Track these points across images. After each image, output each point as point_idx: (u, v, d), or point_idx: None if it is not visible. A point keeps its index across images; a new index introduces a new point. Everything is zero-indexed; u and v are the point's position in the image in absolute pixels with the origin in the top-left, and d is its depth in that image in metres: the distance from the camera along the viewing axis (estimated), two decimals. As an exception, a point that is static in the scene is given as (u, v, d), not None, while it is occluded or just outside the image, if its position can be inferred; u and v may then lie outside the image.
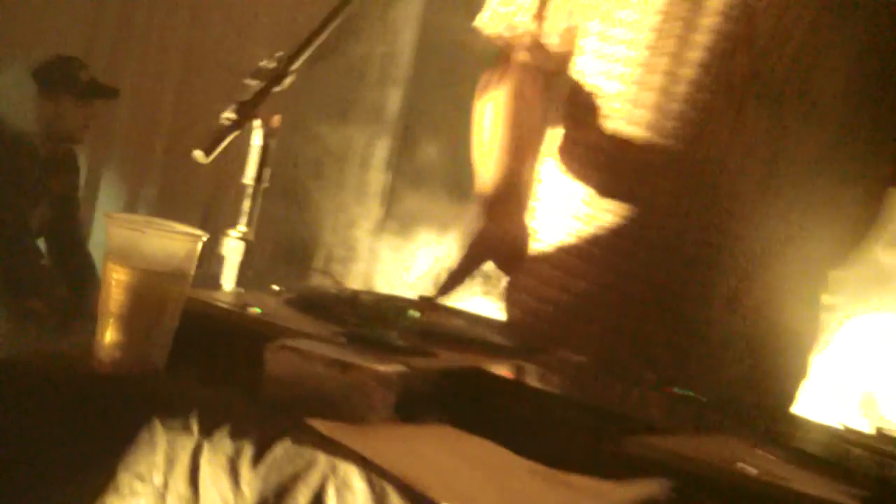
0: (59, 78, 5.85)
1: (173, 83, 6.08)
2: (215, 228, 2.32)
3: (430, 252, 5.12)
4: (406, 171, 5.39)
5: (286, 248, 5.09)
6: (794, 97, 2.67)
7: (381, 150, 5.44)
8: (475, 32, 4.13)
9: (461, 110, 4.66)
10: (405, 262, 5.13)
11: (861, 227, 2.79)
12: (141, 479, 1.92)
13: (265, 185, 2.42)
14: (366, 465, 1.79)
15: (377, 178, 5.46)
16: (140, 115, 6.13)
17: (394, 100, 5.40)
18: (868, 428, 2.39)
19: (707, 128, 2.67)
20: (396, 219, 5.29)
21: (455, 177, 4.95)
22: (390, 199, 5.44)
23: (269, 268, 2.41)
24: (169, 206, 5.65)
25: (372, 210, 5.46)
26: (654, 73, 2.70)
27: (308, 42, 2.47)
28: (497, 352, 2.37)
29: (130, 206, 6.15)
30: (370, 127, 5.38)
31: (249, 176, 2.44)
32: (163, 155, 6.17)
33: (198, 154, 2.34)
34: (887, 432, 2.33)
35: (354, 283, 5.25)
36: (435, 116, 5.23)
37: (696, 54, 2.66)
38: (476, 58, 3.67)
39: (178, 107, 6.03)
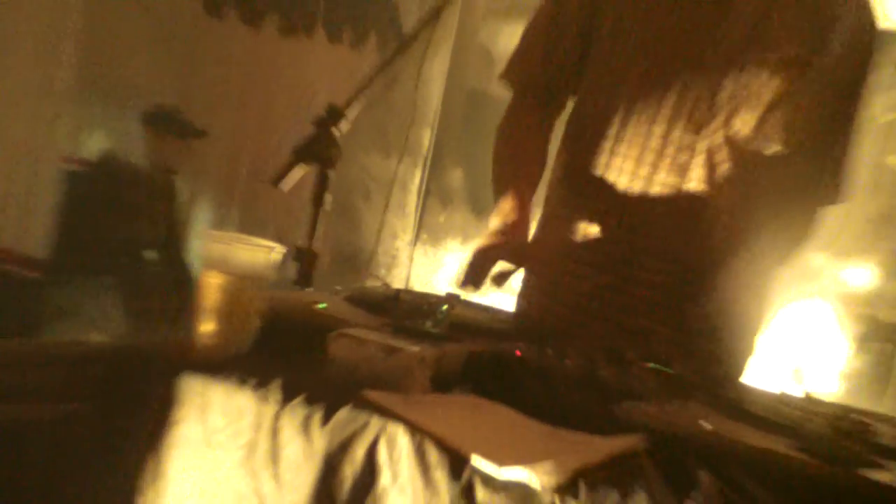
0: (163, 121, 5.92)
1: (253, 128, 6.08)
2: (290, 243, 2.35)
3: (455, 257, 5.18)
4: (435, 193, 5.44)
5: (344, 256, 5.13)
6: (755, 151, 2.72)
7: (416, 176, 5.49)
8: (488, 83, 4.18)
9: (478, 145, 4.73)
10: (435, 265, 5.22)
11: (801, 236, 2.83)
12: (235, 435, 2.02)
13: (327, 207, 2.44)
14: (409, 426, 1.88)
15: (413, 199, 5.50)
16: (227, 152, 6.14)
17: (426, 137, 5.46)
18: (799, 394, 2.43)
19: (689, 165, 2.73)
20: (428, 231, 5.35)
21: (474, 197, 5.03)
22: (423, 215, 5.49)
23: (331, 273, 2.44)
24: (249, 226, 5.67)
25: (409, 225, 5.50)
26: (639, 122, 2.76)
27: (357, 94, 2.52)
28: (509, 338, 2.41)
29: (218, 226, 6.14)
30: (407, 158, 5.42)
31: (314, 200, 2.47)
32: (245, 185, 6.17)
33: (273, 181, 2.41)
34: (813, 396, 2.40)
35: (396, 283, 5.28)
36: (458, 150, 5.31)
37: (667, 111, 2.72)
38: (490, 103, 3.72)
39: (258, 146, 6.05)
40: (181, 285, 5.99)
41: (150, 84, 6.11)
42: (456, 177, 5.32)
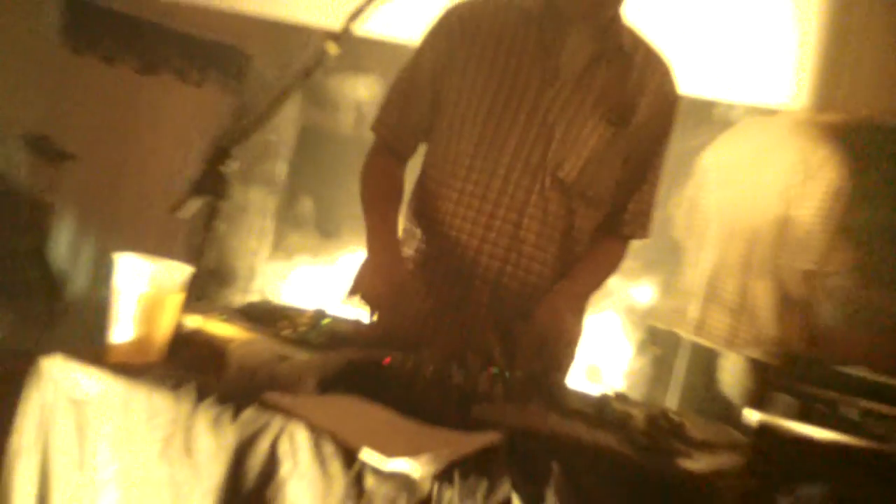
0: (34, 147, 5.76)
1: (117, 155, 5.98)
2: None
3: (304, 272, 5.15)
4: (288, 218, 5.41)
5: (208, 271, 5.08)
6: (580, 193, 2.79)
7: (272, 203, 5.45)
8: (334, 125, 4.17)
9: (326, 178, 4.73)
10: (287, 279, 5.18)
11: (615, 264, 2.91)
12: (154, 430, 1.98)
13: (216, 233, 2.41)
14: (307, 423, 1.88)
15: (269, 223, 5.46)
16: (93, 177, 6.01)
17: (281, 170, 5.42)
18: (604, 391, 2.47)
19: (526, 203, 2.76)
20: (282, 251, 5.32)
21: (321, 221, 5.01)
22: (277, 237, 5.46)
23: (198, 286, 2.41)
24: (126, 246, 5.54)
25: (266, 245, 5.46)
26: (484, 164, 2.77)
27: (241, 136, 2.49)
28: (377, 347, 2.40)
29: (95, 244, 6.00)
30: (265, 188, 5.39)
31: (205, 226, 2.44)
32: (111, 207, 6.03)
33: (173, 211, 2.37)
34: (627, 396, 2.44)
35: (254, 295, 5.25)
36: (308, 181, 5.30)
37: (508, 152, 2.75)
38: (337, 142, 3.72)
39: (121, 172, 5.94)
40: (56, 295, 5.86)
41: (22, 115, 5.97)
42: (306, 204, 5.31)
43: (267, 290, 5.20)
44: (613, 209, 2.87)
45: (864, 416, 3.91)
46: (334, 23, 2.66)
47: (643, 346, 4.64)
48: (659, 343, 4.51)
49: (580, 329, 2.86)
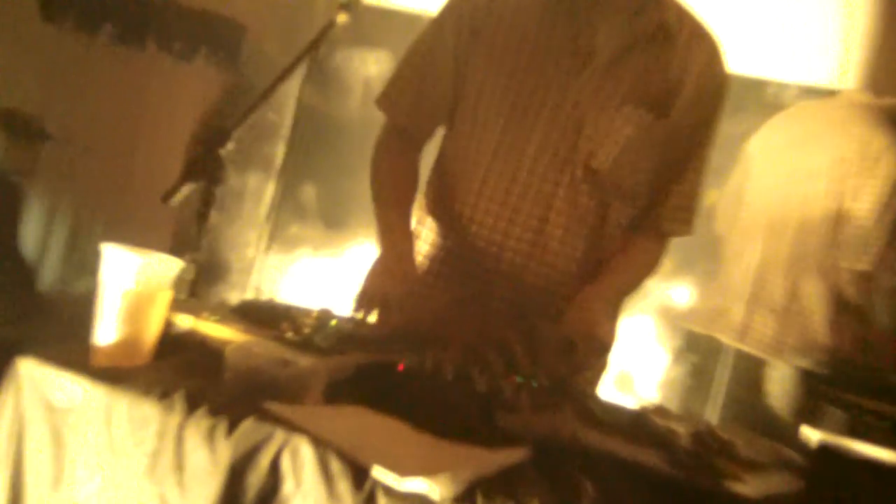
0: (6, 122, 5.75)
1: (98, 130, 5.97)
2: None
3: (306, 266, 5.13)
4: (287, 207, 5.40)
5: (205, 267, 5.07)
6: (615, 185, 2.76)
7: (269, 190, 5.44)
8: (340, 106, 4.15)
9: (330, 162, 4.70)
10: (286, 274, 5.16)
11: (653, 263, 2.89)
12: (140, 444, 1.95)
13: (212, 222, 2.42)
14: (312, 437, 1.85)
15: (264, 211, 5.45)
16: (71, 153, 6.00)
17: (279, 153, 5.41)
18: (626, 401, 2.45)
19: (553, 196, 2.75)
20: (280, 242, 5.30)
21: (325, 211, 4.99)
22: (275, 227, 5.44)
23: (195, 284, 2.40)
24: (112, 234, 5.54)
25: (262, 235, 5.44)
26: (509, 156, 2.77)
27: (243, 117, 2.51)
28: (389, 351, 2.38)
29: (79, 230, 5.99)
30: (262, 173, 5.38)
31: (199, 215, 2.44)
32: (98, 186, 6.02)
33: (165, 200, 2.37)
34: (665, 408, 2.40)
35: (249, 291, 5.23)
36: (308, 166, 5.28)
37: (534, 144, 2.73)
38: (342, 124, 3.70)
39: (102, 149, 5.93)
40: (25, 284, 5.84)
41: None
42: (308, 191, 5.29)
43: (265, 286, 5.18)
44: (651, 203, 2.84)
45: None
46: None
47: (680, 354, 4.62)
48: (697, 350, 4.48)
49: (613, 335, 2.84)
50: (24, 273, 5.74)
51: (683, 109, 2.72)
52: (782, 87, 4.30)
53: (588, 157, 2.72)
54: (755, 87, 4.26)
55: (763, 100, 4.37)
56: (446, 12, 2.83)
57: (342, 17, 2.64)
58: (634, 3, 2.69)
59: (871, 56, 3.73)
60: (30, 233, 6.00)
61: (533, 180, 2.73)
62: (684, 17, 2.75)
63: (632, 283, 2.86)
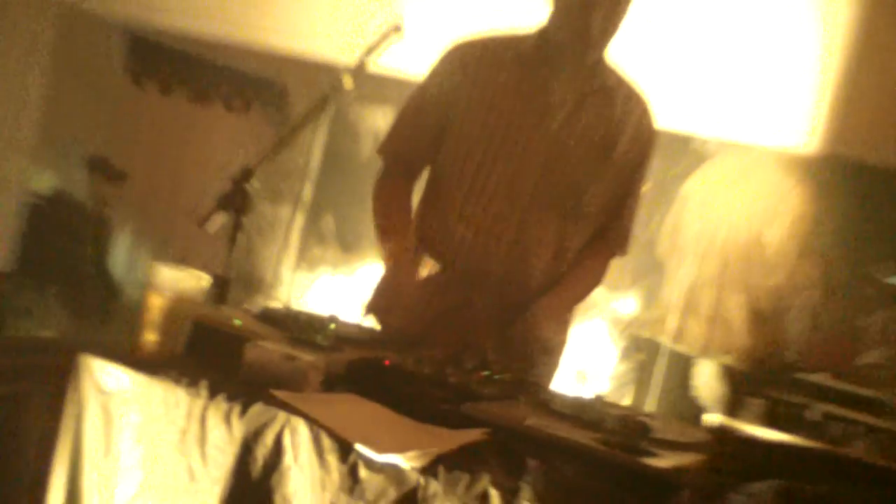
0: (96, 166, 5.77)
1: (169, 173, 5.97)
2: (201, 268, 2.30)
3: (327, 282, 5.11)
4: (312, 233, 5.39)
5: (241, 278, 5.06)
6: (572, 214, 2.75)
7: (298, 219, 5.43)
8: (355, 151, 4.16)
9: (347, 198, 4.69)
10: (310, 288, 5.14)
11: (598, 279, 2.88)
12: (171, 423, 1.94)
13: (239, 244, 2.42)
14: (308, 419, 1.84)
15: (295, 236, 5.44)
16: (149, 193, 6.01)
17: (307, 190, 5.40)
18: (590, 395, 2.42)
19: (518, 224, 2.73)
20: (305, 262, 5.29)
21: (342, 237, 4.98)
22: (302, 250, 5.43)
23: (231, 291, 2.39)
24: (165, 251, 5.55)
25: (292, 257, 5.44)
26: (483, 189, 2.75)
27: (264, 157, 2.51)
28: (379, 349, 2.37)
29: (141, 249, 5.99)
30: (292, 206, 5.37)
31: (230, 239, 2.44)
32: (162, 219, 6.03)
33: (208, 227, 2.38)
34: (604, 398, 2.38)
35: (279, 303, 5.22)
36: (329, 201, 5.28)
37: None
38: (357, 167, 3.70)
39: (173, 189, 5.92)
40: (110, 294, 5.85)
41: (88, 138, 5.98)
42: (328, 221, 5.29)
43: (291, 297, 5.16)
44: (598, 230, 2.82)
45: (826, 419, 3.84)
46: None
47: (627, 353, 4.60)
48: (641, 350, 4.47)
49: (563, 337, 2.83)
50: (98, 284, 5.74)
51: (621, 154, 2.73)
52: (705, 141, 4.29)
53: (550, 192, 2.71)
54: (684, 140, 4.25)
55: (690, 151, 4.36)
56: (433, 73, 2.83)
57: (348, 81, 2.63)
58: (583, 69, 2.68)
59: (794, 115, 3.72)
60: (110, 253, 6.01)
61: (505, 212, 2.72)
62: (622, 81, 2.76)
63: (579, 296, 2.86)
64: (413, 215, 2.90)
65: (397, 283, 2.78)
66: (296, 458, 1.81)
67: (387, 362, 2.21)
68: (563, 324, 2.83)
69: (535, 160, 2.69)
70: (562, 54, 2.67)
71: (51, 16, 5.65)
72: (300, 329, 2.28)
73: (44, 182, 5.92)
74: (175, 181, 6.03)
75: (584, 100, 2.69)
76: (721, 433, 1.83)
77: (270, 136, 5.61)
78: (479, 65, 2.74)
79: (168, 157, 6.14)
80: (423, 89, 2.84)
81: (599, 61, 2.71)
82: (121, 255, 5.99)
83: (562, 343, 2.82)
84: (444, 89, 2.78)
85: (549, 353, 2.73)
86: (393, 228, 2.85)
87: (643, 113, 2.76)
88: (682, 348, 4.34)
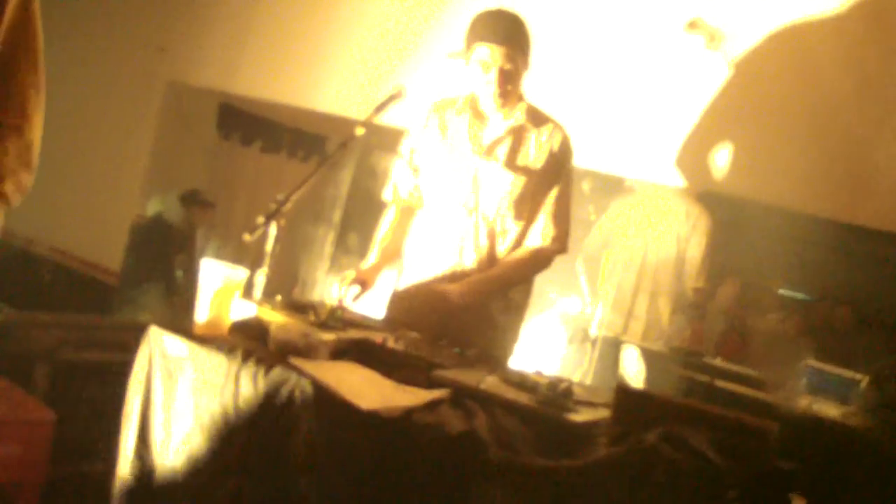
0: (191, 197, 5.83)
1: (243, 204, 6.02)
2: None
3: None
4: (342, 247, 5.41)
5: (287, 279, 5.08)
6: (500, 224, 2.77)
7: (330, 237, 5.45)
8: (374, 185, 4.16)
9: (365, 219, 4.66)
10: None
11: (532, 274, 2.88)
12: (214, 381, 1.96)
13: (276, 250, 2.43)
14: (314, 380, 1.85)
15: (329, 250, 5.46)
16: (229, 218, 6.06)
17: (338, 214, 5.43)
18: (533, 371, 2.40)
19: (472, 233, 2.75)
20: (335, 270, 5.29)
21: (361, 251, 4.95)
22: (332, 260, 5.45)
23: (276, 289, 2.39)
24: (232, 258, 5.57)
25: (325, 264, 5.45)
26: (449, 208, 2.77)
27: (297, 189, 2.51)
28: (375, 331, 2.37)
29: (219, 257, 6.01)
30: (327, 226, 5.41)
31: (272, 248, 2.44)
32: (234, 236, 6.06)
33: (246, 236, 2.38)
34: (542, 372, 2.36)
35: (315, 297, 5.22)
36: (354, 223, 5.31)
37: None
38: (373, 197, 3.69)
39: (248, 214, 5.97)
40: (191, 289, 5.85)
41: (186, 177, 6.04)
42: (353, 238, 5.33)
43: (323, 295, 5.15)
44: (522, 234, 2.79)
45: (723, 393, 3.83)
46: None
47: (570, 341, 4.58)
48: (580, 339, 4.44)
49: (509, 317, 2.80)
50: (185, 282, 5.78)
51: (540, 174, 2.72)
52: (621, 179, 4.30)
53: (485, 208, 2.73)
54: (619, 181, 4.27)
55: (624, 189, 4.39)
56: (414, 127, 2.87)
57: (360, 131, 2.64)
58: (506, 112, 2.72)
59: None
60: (195, 259, 6.04)
61: (456, 224, 2.76)
62: (540, 117, 2.76)
63: (499, 277, 2.76)
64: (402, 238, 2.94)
65: (396, 294, 2.88)
66: (305, 408, 1.83)
67: (379, 341, 2.21)
68: (511, 306, 2.81)
69: (474, 185, 2.73)
70: (487, 110, 2.74)
71: (157, 86, 5.71)
72: (315, 314, 2.29)
73: (149, 208, 5.97)
74: (248, 209, 6.08)
75: (508, 136, 2.72)
76: (622, 392, 1.81)
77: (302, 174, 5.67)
78: (443, 118, 2.80)
79: (244, 191, 6.20)
80: (407, 140, 2.90)
81: (518, 108, 2.73)
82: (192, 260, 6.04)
83: (510, 322, 2.80)
84: (420, 137, 2.84)
85: (496, 328, 2.71)
86: (371, 248, 2.91)
87: (560, 142, 2.74)
88: (627, 340, 4.33)
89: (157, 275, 5.66)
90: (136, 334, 2.12)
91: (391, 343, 2.22)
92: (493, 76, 2.63)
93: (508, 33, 2.64)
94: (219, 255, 2.85)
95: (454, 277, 2.73)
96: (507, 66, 2.63)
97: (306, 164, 5.81)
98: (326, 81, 4.67)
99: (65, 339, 3.27)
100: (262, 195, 5.86)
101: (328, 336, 2.09)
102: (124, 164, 5.84)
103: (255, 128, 6.09)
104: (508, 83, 2.66)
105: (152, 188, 5.96)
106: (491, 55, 2.62)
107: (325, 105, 4.81)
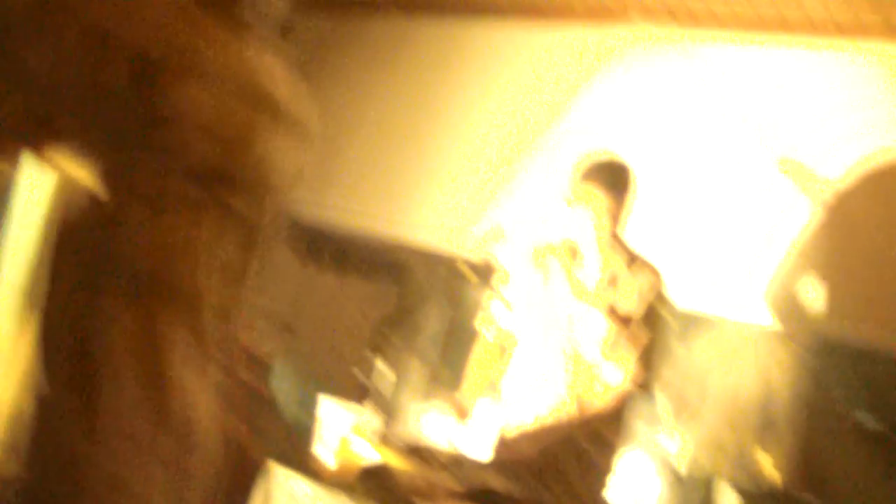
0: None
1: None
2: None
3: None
4: (435, 380, 5.29)
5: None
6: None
7: (421, 371, 5.39)
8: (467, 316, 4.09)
9: (460, 354, 4.52)
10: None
11: None
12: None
13: None
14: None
15: (424, 383, 5.44)
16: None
17: (432, 347, 5.40)
18: None
19: None
20: (431, 402, 5.13)
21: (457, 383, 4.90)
22: (427, 394, 5.34)
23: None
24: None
25: (419, 399, 5.36)
26: None
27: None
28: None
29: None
30: (420, 360, 5.35)
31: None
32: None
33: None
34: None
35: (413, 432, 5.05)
36: (450, 356, 5.21)
37: None
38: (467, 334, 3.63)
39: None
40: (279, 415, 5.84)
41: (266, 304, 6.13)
42: (447, 372, 5.22)
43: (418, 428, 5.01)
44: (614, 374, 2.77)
45: None
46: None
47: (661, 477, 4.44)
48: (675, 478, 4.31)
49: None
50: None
51: (634, 319, 2.72)
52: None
53: (581, 349, 2.74)
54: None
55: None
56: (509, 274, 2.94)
57: (464, 267, 2.74)
58: (605, 255, 2.74)
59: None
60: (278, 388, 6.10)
61: (552, 366, 2.77)
62: (638, 260, 2.76)
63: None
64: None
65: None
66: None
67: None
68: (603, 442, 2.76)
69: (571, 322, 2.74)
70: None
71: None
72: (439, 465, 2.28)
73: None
74: (327, 333, 6.12)
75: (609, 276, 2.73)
76: None
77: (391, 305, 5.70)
78: (544, 257, 2.83)
79: (321, 314, 6.27)
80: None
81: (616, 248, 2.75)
82: (286, 387, 6.05)
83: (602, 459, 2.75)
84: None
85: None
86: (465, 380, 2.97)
87: (653, 283, 2.73)
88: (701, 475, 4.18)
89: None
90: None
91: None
92: (597, 220, 2.67)
93: (615, 179, 2.70)
94: (320, 387, 2.84)
95: (553, 419, 2.71)
96: (612, 211, 2.67)
97: (377, 289, 5.89)
98: (416, 211, 4.74)
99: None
100: (340, 319, 5.92)
101: (453, 486, 2.09)
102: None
103: (341, 254, 6.23)
104: (611, 227, 2.70)
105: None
106: (596, 199, 2.66)
107: (414, 234, 4.86)
